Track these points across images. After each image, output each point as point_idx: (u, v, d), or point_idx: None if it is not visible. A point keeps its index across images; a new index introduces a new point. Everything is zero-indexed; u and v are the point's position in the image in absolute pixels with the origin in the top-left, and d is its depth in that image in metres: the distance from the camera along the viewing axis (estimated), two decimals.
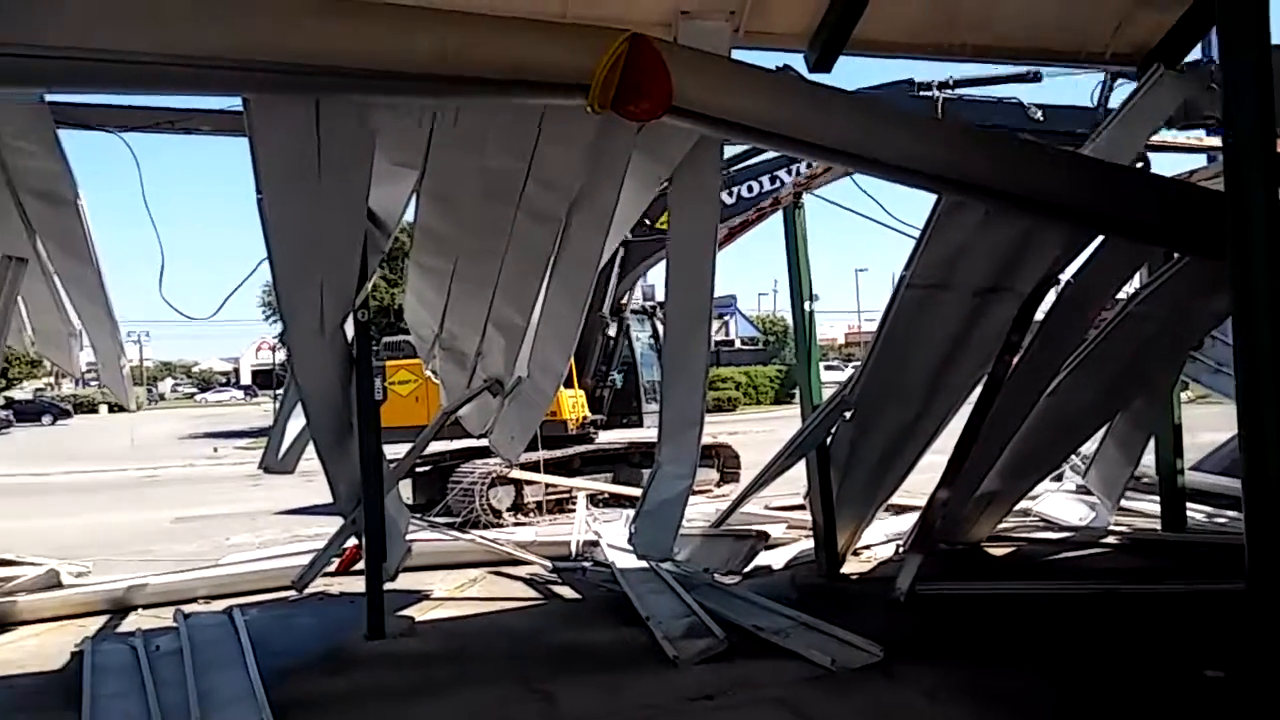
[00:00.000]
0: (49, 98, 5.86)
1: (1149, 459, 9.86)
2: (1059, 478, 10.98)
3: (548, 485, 13.38)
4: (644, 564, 8.17)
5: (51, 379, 64.02)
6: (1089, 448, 9.91)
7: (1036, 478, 9.11)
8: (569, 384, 13.92)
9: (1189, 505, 9.85)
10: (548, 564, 9.27)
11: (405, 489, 12.01)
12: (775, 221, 9.82)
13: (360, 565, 7.61)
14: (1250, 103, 4.07)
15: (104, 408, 57.69)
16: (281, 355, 28.32)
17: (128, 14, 4.08)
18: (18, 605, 7.98)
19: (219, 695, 5.73)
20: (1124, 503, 10.24)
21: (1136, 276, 8.44)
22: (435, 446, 11.43)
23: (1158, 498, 9.91)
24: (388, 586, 7.39)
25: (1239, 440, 4.26)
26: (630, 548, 8.08)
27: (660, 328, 15.38)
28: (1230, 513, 10.02)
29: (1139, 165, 7.88)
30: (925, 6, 6.95)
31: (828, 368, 22.41)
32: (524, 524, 12.69)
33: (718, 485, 14.91)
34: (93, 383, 53.30)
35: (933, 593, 7.28)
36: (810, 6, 6.63)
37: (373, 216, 6.85)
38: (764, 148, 8.77)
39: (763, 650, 6.38)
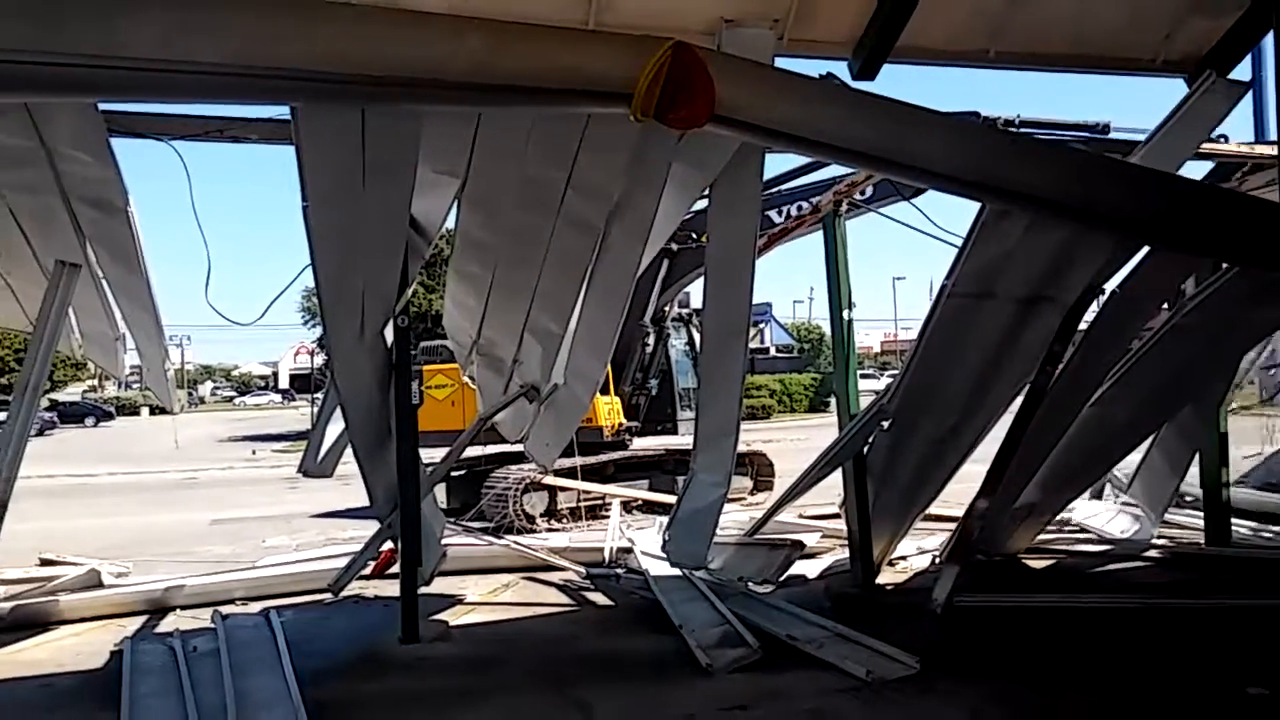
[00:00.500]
0: (102, 106, 5.96)
1: (1194, 475, 9.70)
2: (1099, 495, 10.82)
3: (582, 491, 13.38)
4: (677, 572, 8.15)
5: (95, 381, 65.07)
6: (1131, 461, 9.77)
7: (1077, 490, 8.98)
8: (605, 391, 13.92)
9: (1233, 520, 9.67)
10: (581, 570, 9.27)
11: (440, 493, 12.05)
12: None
13: (395, 569, 7.66)
14: None
15: (145, 410, 58.58)
16: (319, 360, 28.64)
17: (201, 28, 4.20)
18: (59, 604, 8.10)
19: (255, 696, 5.78)
20: (1167, 516, 10.08)
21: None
22: (470, 451, 11.47)
23: (1201, 513, 9.74)
24: (422, 590, 7.42)
25: None
26: (664, 555, 8.05)
27: (696, 335, 15.36)
28: (1275, 527, 9.84)
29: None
30: (970, 13, 6.88)
31: (863, 376, 22.23)
32: (557, 530, 12.70)
33: (752, 493, 14.84)
34: (134, 385, 54.14)
35: (970, 604, 7.18)
36: (855, 14, 6.60)
37: (414, 224, 6.90)
38: (808, 157, 8.71)
39: (797, 660, 6.35)
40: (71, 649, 7.29)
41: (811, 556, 9.16)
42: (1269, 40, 7.12)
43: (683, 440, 14.43)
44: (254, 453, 32.11)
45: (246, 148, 7.13)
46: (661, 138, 5.86)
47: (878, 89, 6.57)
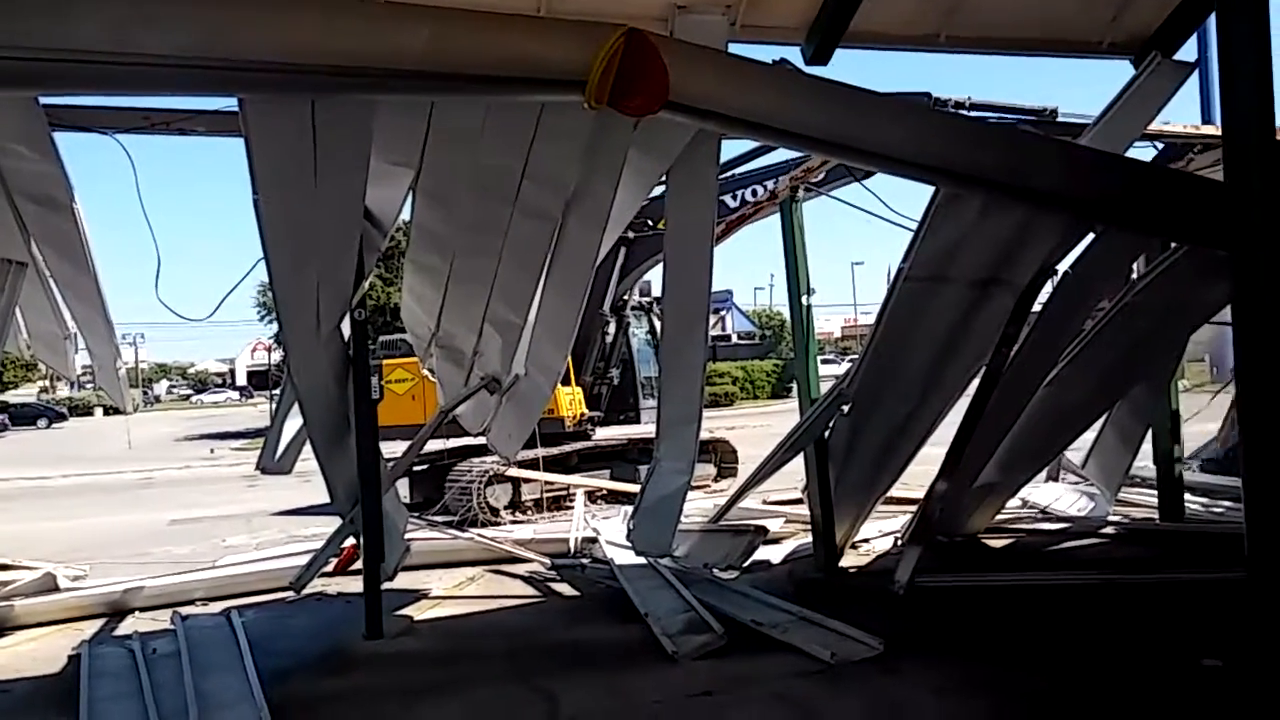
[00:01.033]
0: (43, 100, 5.83)
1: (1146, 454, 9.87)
2: (1055, 478, 10.98)
3: (545, 483, 13.35)
4: (642, 560, 8.17)
5: (47, 382, 63.93)
6: (1084, 442, 9.91)
7: (1035, 469, 9.10)
8: (566, 381, 13.89)
9: (1186, 495, 9.86)
10: (546, 561, 9.27)
11: (403, 488, 11.98)
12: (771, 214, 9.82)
13: (358, 565, 7.60)
14: (1249, 90, 4.06)
15: (99, 410, 57.56)
16: (277, 356, 28.28)
17: (151, 20, 4.13)
18: (15, 609, 7.96)
19: (217, 696, 5.72)
20: (1121, 494, 10.25)
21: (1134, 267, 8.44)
22: (432, 445, 11.41)
23: (1155, 491, 9.92)
24: (386, 586, 7.38)
25: (1238, 429, 4.27)
26: (629, 544, 8.06)
27: (657, 323, 15.36)
28: (1227, 502, 10.04)
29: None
30: None
31: (824, 361, 22.35)
32: (522, 522, 12.67)
33: (715, 480, 14.89)
34: (88, 385, 53.17)
35: (932, 585, 7.25)
36: None
37: (369, 215, 6.83)
38: (763, 143, 8.74)
39: (762, 645, 6.39)
40: (28, 654, 7.16)
41: (775, 542, 9.22)
42: (1213, 21, 7.24)
43: (646, 429, 14.43)
44: (212, 451, 31.68)
45: (199, 141, 7.03)
46: (617, 125, 5.85)
47: (831, 74, 6.60)
